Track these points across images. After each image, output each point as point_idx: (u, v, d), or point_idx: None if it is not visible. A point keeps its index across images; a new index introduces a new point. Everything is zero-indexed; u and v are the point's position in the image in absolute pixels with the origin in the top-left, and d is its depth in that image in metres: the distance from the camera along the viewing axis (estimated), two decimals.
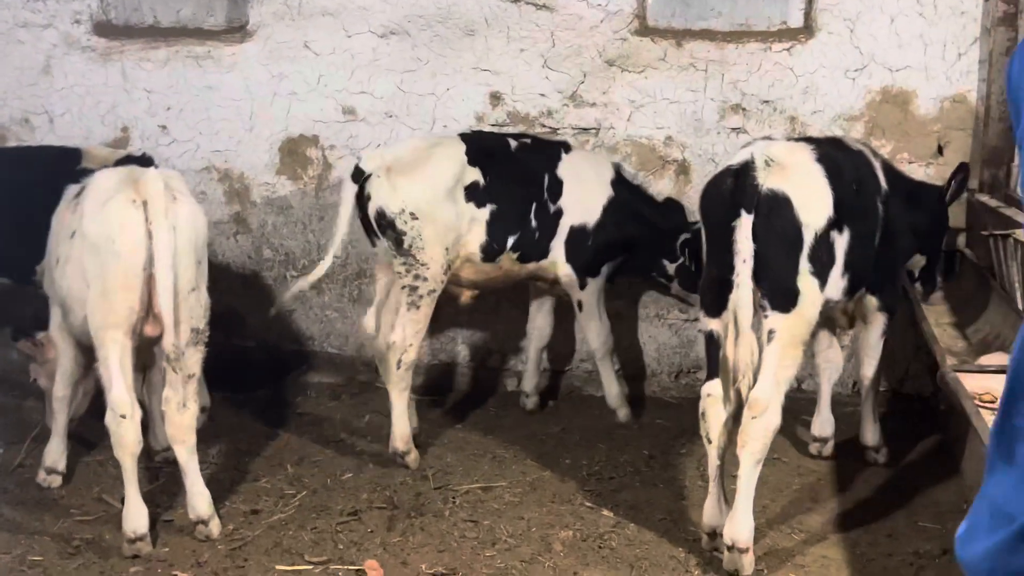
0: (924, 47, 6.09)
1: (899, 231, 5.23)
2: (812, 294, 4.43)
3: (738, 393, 4.41)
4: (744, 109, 6.26)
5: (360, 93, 6.68)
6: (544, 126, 6.50)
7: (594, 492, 5.30)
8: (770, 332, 4.37)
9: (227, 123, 6.83)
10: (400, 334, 5.48)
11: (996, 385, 4.43)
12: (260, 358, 6.99)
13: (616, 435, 6.07)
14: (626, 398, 6.25)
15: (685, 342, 6.68)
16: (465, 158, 5.62)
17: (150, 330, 4.59)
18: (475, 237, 5.66)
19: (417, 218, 5.37)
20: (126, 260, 4.45)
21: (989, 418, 4.04)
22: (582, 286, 5.99)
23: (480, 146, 5.74)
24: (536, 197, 5.81)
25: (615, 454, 5.78)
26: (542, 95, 6.51)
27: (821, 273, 4.46)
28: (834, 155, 4.76)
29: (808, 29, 6.24)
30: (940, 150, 6.18)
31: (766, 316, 4.38)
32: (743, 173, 4.40)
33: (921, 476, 5.44)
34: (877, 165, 5.22)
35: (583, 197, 5.91)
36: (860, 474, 5.49)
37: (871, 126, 6.22)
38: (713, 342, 4.50)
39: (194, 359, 4.70)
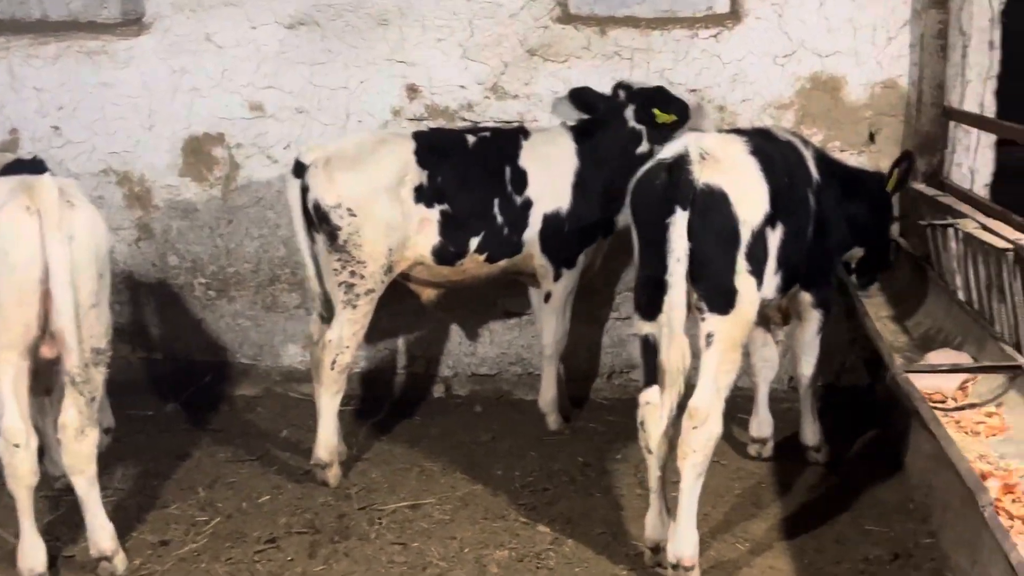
0: (854, 31, 5.93)
1: (833, 223, 5.04)
2: (750, 294, 4.21)
3: (675, 400, 4.17)
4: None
5: (268, 88, 6.32)
6: (464, 119, 6.20)
7: (528, 506, 5.04)
8: (708, 336, 4.15)
9: (124, 122, 6.41)
10: (336, 333, 5.19)
11: (946, 384, 4.29)
12: (168, 371, 6.62)
13: (549, 442, 5.81)
14: (558, 404, 5.97)
15: (617, 341, 6.45)
16: (413, 157, 5.34)
17: (47, 351, 4.23)
18: (425, 239, 5.37)
19: (355, 215, 5.11)
20: (20, 274, 4.08)
21: (943, 420, 3.88)
22: (556, 277, 5.70)
23: (432, 144, 5.45)
24: (499, 193, 5.50)
25: (548, 462, 5.52)
26: (462, 87, 6.21)
27: (758, 271, 4.24)
28: (765, 147, 4.55)
29: (735, 14, 6.03)
30: (872, 137, 6.03)
31: (703, 319, 4.16)
32: (677, 167, 4.16)
33: (863, 474, 5.28)
34: (808, 155, 5.03)
35: (550, 181, 5.59)
36: (802, 475, 5.31)
37: (801, 114, 6.04)
38: (649, 347, 4.27)
39: (96, 381, 4.33)
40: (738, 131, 4.96)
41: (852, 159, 6.01)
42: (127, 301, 6.59)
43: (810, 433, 5.40)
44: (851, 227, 5.27)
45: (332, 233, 5.14)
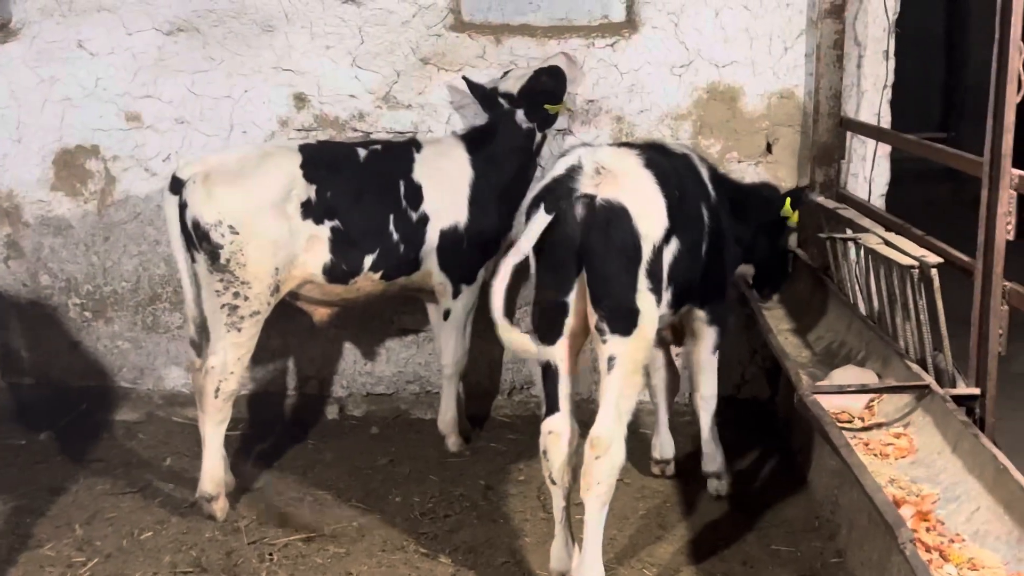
0: (750, 41, 5.87)
1: (726, 240, 4.93)
2: (651, 313, 4.06)
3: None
4: (568, 109, 5.88)
5: (145, 97, 6.00)
6: (356, 130, 5.97)
7: (429, 535, 4.83)
8: (610, 359, 3.96)
9: None
10: (220, 359, 4.89)
11: (852, 403, 4.22)
12: (41, 398, 6.24)
13: (449, 464, 5.61)
14: (458, 424, 5.78)
15: (516, 357, 6.27)
16: (300, 172, 5.06)
17: None
18: (315, 258, 5.10)
19: (237, 232, 4.83)
20: None
21: (852, 441, 3.81)
22: (455, 294, 5.50)
23: (320, 158, 5.18)
24: (393, 208, 5.28)
25: (449, 487, 5.32)
26: (352, 96, 5.98)
27: (657, 289, 4.10)
28: (659, 160, 4.43)
29: (631, 23, 5.92)
30: (769, 148, 5.98)
31: (604, 341, 3.96)
32: (568, 179, 4.00)
33: (768, 491, 5.23)
34: (703, 170, 4.93)
35: (446, 194, 5.39)
36: (706, 492, 5.21)
37: (699, 124, 5.96)
38: (550, 373, 4.08)
39: None
40: (630, 144, 4.84)
41: (750, 169, 5.96)
42: None
43: (711, 460, 5.21)
44: (743, 244, 5.17)
45: (213, 252, 4.85)
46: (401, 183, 5.32)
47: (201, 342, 5.04)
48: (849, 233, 4.92)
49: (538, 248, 4.06)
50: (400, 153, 5.43)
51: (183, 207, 4.90)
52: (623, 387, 3.98)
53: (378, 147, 5.44)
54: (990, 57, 3.71)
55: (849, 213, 4.94)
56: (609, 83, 5.92)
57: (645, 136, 5.82)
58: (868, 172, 5.79)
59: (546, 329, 4.06)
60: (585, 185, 3.96)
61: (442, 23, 5.91)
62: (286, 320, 5.54)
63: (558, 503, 4.16)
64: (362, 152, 5.35)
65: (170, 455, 5.74)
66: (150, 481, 5.43)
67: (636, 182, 4.13)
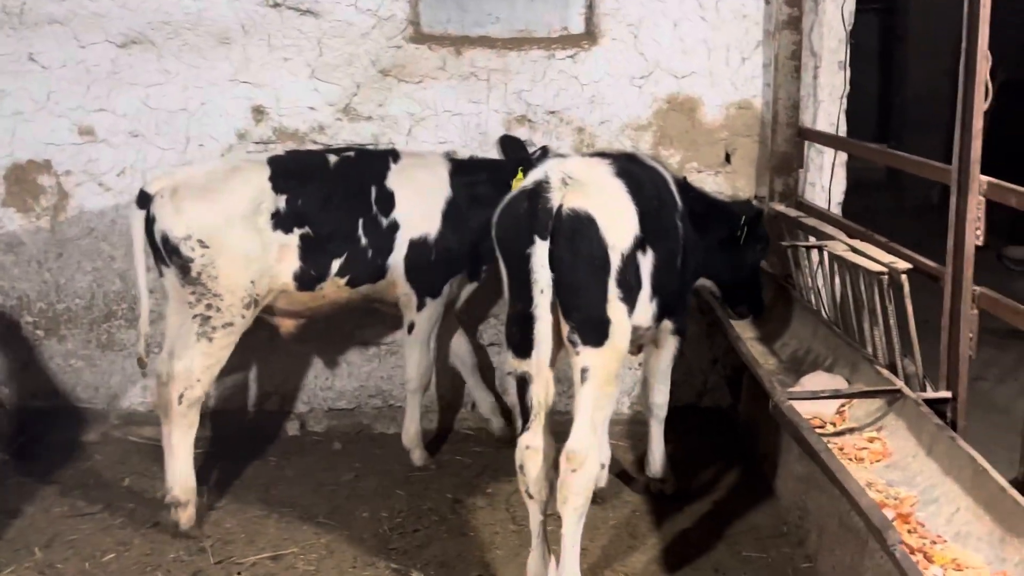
0: (708, 52, 5.93)
1: (690, 251, 4.94)
2: (623, 323, 4.05)
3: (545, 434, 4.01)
4: (530, 120, 5.91)
5: (99, 111, 5.88)
6: (315, 142, 5.91)
7: (399, 550, 4.78)
8: (583, 371, 3.95)
9: None
10: (186, 365, 4.85)
11: (824, 409, 4.26)
12: None
13: (415, 478, 5.55)
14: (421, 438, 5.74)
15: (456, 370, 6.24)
16: (268, 184, 5.02)
17: None
18: (287, 266, 5.08)
19: (207, 246, 4.81)
20: None
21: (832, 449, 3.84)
22: (419, 307, 5.45)
23: (289, 168, 5.14)
24: (363, 213, 5.23)
25: (417, 501, 5.27)
26: (312, 108, 5.92)
27: (630, 299, 4.10)
28: (632, 170, 4.44)
29: (591, 35, 5.94)
30: (728, 158, 6.03)
31: (577, 353, 3.95)
32: (536, 195, 3.97)
33: (734, 499, 5.25)
34: (671, 182, 4.95)
35: (419, 204, 5.35)
36: (674, 501, 5.22)
37: (659, 135, 6.00)
38: (525, 387, 4.04)
39: None
40: (602, 154, 4.84)
41: (709, 179, 6.01)
42: None
43: (657, 463, 5.24)
44: (705, 256, 5.18)
45: (184, 266, 4.82)
46: (373, 188, 5.28)
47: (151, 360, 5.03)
48: (813, 240, 4.97)
49: (508, 261, 4.06)
50: (375, 161, 5.39)
51: (151, 221, 4.86)
52: (597, 398, 3.97)
53: (350, 154, 5.40)
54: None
55: (812, 221, 4.99)
56: (570, 94, 5.93)
57: (606, 147, 5.83)
58: (826, 181, 5.86)
59: (519, 341, 4.02)
60: (552, 196, 3.93)
61: (401, 35, 5.88)
62: (245, 335, 5.45)
63: (535, 517, 4.12)
64: (332, 159, 5.31)
65: (128, 475, 5.62)
66: (110, 502, 5.30)
67: (605, 191, 4.13)
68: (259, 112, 5.92)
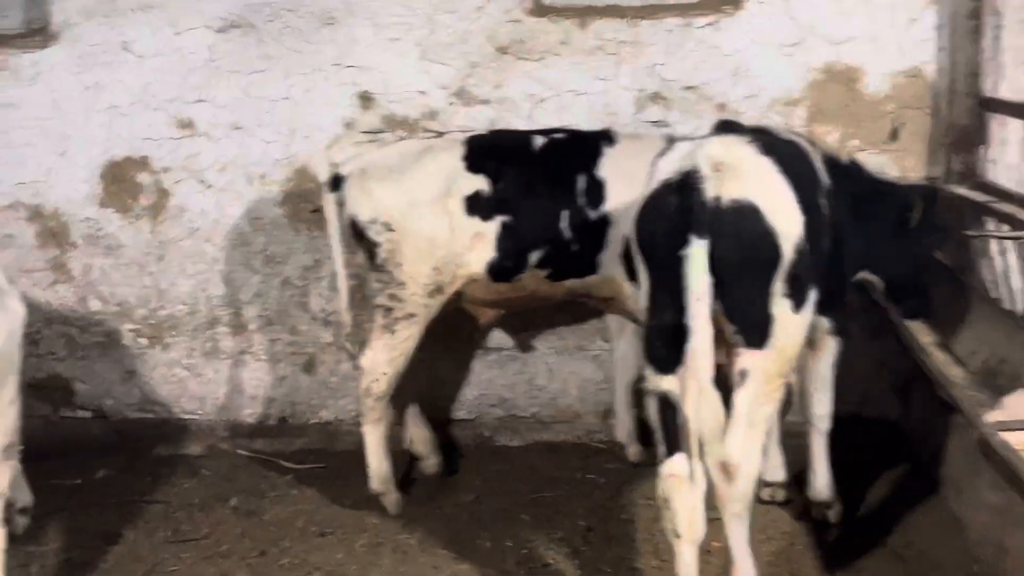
0: (870, 13, 5.22)
1: (845, 236, 4.30)
2: (790, 321, 3.57)
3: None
4: (664, 98, 5.34)
5: (198, 102, 5.60)
6: (427, 130, 5.42)
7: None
8: (742, 373, 3.55)
9: (33, 148, 5.69)
10: (370, 359, 4.84)
11: None
12: (97, 432, 5.86)
13: (543, 501, 5.03)
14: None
15: (610, 375, 5.68)
16: (462, 164, 4.79)
17: None
18: (480, 255, 4.79)
19: (392, 230, 4.72)
20: None
21: None
22: None
23: (488, 148, 4.88)
24: (568, 204, 4.81)
25: (545, 528, 4.74)
26: (422, 92, 5.48)
27: (797, 294, 3.58)
28: (775, 145, 3.88)
29: None
30: (895, 134, 5.31)
31: (737, 354, 3.54)
32: (687, 188, 3.49)
33: (910, 528, 4.56)
34: (815, 156, 4.30)
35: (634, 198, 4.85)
36: (832, 530, 4.59)
37: (814, 110, 5.33)
38: (668, 407, 3.55)
39: (4, 478, 3.73)
40: (733, 128, 4.22)
41: (872, 159, 5.28)
42: (45, 353, 5.83)
43: (822, 484, 4.68)
44: (868, 245, 4.53)
45: (371, 251, 4.80)
46: (581, 177, 4.84)
47: (354, 349, 5.04)
48: (1007, 230, 4.24)
49: (654, 265, 3.59)
50: (586, 145, 4.93)
51: (342, 204, 4.83)
52: (754, 403, 3.55)
53: (559, 135, 5.00)
54: None
55: (1008, 207, 4.24)
56: (710, 66, 5.34)
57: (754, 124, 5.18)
58: (1012, 159, 5.07)
59: (663, 356, 3.54)
60: (706, 188, 3.47)
61: (520, 7, 5.41)
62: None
63: (684, 560, 3.57)
64: (539, 141, 4.92)
65: (236, 493, 5.27)
66: (215, 525, 4.96)
67: (760, 174, 3.63)
68: (366, 98, 5.53)
